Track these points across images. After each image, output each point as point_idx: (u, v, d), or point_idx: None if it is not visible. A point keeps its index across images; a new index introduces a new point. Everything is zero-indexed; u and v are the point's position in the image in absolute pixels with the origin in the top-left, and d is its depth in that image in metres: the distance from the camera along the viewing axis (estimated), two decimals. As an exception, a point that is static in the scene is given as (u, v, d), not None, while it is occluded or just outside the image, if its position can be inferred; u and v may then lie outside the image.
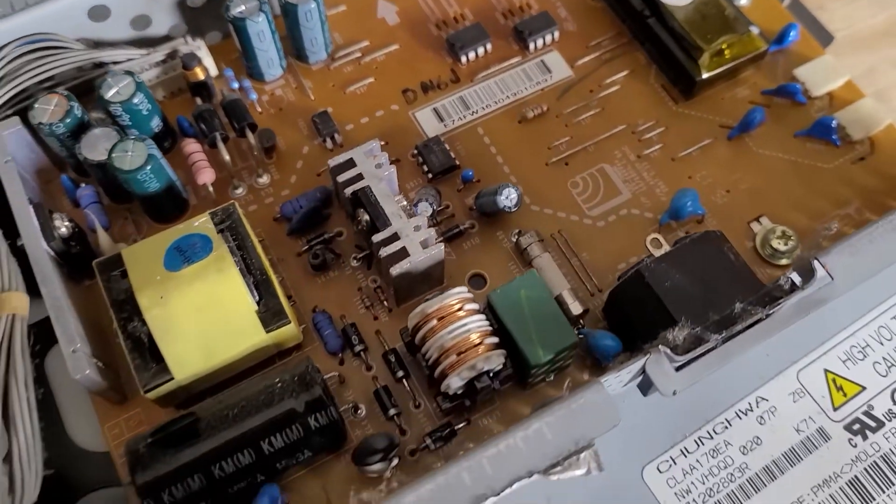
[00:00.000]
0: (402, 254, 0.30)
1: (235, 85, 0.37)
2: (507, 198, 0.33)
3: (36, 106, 0.33)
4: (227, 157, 0.35)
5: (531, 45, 0.39)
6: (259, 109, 0.38)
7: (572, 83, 0.39)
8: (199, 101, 0.36)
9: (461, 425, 0.31)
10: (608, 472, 0.31)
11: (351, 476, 0.30)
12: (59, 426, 0.33)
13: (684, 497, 0.31)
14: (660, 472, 0.32)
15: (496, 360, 0.29)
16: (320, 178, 0.36)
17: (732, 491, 0.31)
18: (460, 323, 0.29)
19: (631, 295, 0.31)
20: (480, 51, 0.39)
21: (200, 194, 0.36)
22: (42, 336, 0.32)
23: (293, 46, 0.38)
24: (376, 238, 0.31)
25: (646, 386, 0.31)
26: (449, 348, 0.29)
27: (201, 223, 0.31)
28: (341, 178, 0.32)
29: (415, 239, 0.31)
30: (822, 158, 0.37)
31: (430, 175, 0.36)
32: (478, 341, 0.29)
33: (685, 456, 0.32)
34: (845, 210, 0.35)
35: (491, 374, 0.29)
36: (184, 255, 0.30)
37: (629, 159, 0.37)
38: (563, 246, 0.35)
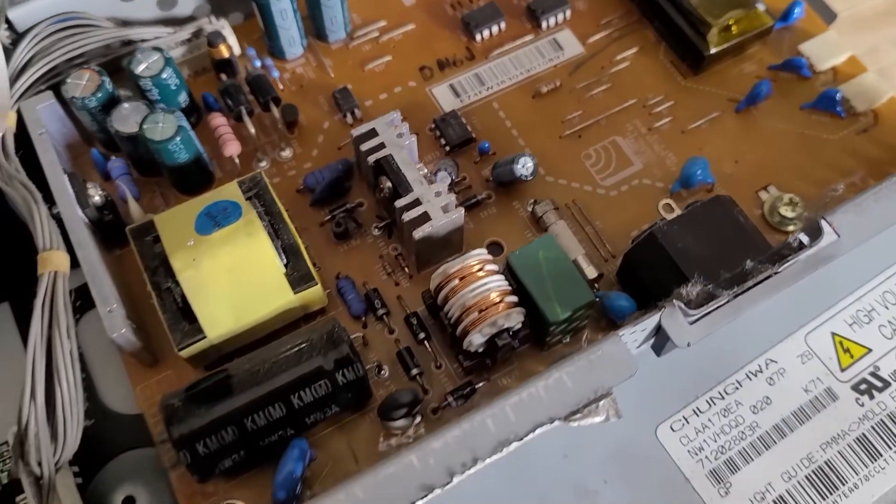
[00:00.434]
0: (424, 218, 0.31)
1: (258, 63, 0.38)
2: (523, 166, 0.34)
3: (68, 81, 0.34)
4: (252, 130, 0.36)
5: (544, 24, 0.40)
6: (281, 87, 0.39)
7: (584, 60, 0.40)
8: (224, 77, 0.37)
9: (481, 384, 0.32)
10: (624, 431, 0.32)
11: (376, 434, 0.31)
12: (91, 391, 0.34)
13: (697, 454, 0.32)
14: (673, 430, 0.33)
15: (516, 318, 0.30)
16: (341, 151, 0.37)
17: (743, 448, 0.32)
18: (481, 282, 0.30)
19: (645, 256, 0.32)
20: (494, 29, 0.40)
21: (225, 168, 0.37)
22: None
23: (313, 26, 0.40)
24: (399, 203, 0.32)
25: (659, 346, 0.32)
26: (470, 306, 0.30)
27: (230, 191, 0.32)
28: (364, 146, 0.33)
29: (436, 204, 0.32)
30: (827, 130, 0.38)
31: (447, 148, 0.37)
32: (498, 299, 0.30)
33: (697, 415, 0.33)
34: (850, 179, 0.36)
35: (511, 333, 0.30)
36: (214, 220, 0.31)
37: (640, 132, 0.38)
38: (578, 214, 0.36)
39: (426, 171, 0.33)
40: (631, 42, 0.40)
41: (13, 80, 0.34)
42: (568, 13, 0.41)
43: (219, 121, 0.36)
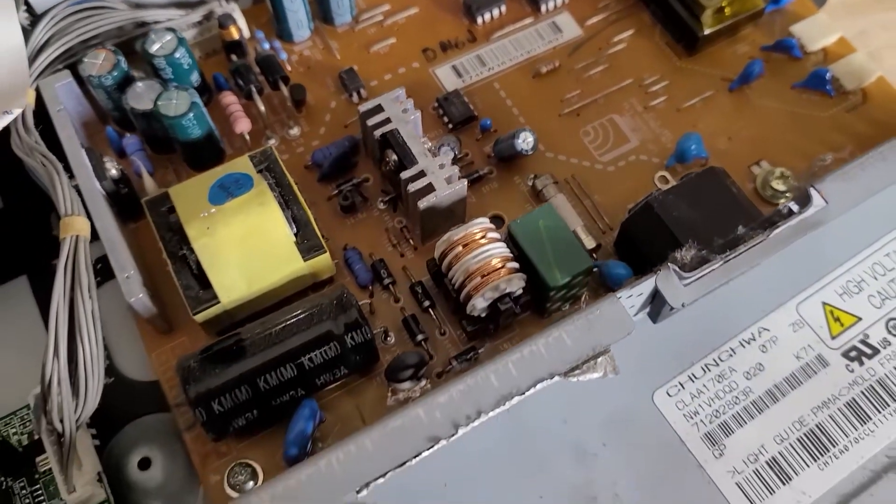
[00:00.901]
0: (429, 189, 0.33)
1: (266, 46, 0.40)
2: (523, 141, 0.36)
3: (85, 60, 0.35)
4: (262, 108, 0.37)
5: (543, 7, 0.42)
6: (289, 68, 0.40)
7: (582, 41, 0.41)
8: (234, 57, 0.39)
9: (484, 349, 0.33)
10: (622, 396, 0.33)
11: (383, 396, 0.33)
12: (107, 359, 0.36)
13: (692, 418, 0.33)
14: (669, 396, 0.34)
15: (517, 283, 0.31)
16: (347, 129, 0.39)
17: (737, 412, 0.33)
18: (483, 249, 0.31)
19: (641, 225, 0.33)
20: (495, 12, 0.41)
21: (235, 145, 0.38)
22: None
23: (320, 10, 0.41)
24: (405, 175, 0.33)
25: (655, 312, 0.33)
26: (473, 271, 0.31)
27: (242, 163, 0.33)
28: (371, 121, 0.34)
29: (440, 175, 0.33)
30: (817, 108, 0.39)
31: (450, 125, 0.38)
32: (500, 265, 0.31)
33: (693, 381, 0.34)
34: (840, 154, 0.38)
35: (512, 297, 0.32)
36: (227, 190, 0.32)
37: (636, 110, 0.39)
38: (577, 189, 0.37)
39: (430, 144, 0.34)
40: (627, 24, 0.42)
41: (32, 59, 0.35)
42: (567, -4, 0.42)
43: (230, 99, 0.37)
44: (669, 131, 0.39)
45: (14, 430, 0.33)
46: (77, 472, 0.29)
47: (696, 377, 0.34)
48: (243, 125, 0.36)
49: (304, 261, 0.32)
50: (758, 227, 0.31)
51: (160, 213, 0.33)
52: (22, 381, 0.32)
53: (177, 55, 0.35)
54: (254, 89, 0.37)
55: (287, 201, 0.33)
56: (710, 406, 0.33)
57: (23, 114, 0.33)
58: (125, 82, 0.36)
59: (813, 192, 0.31)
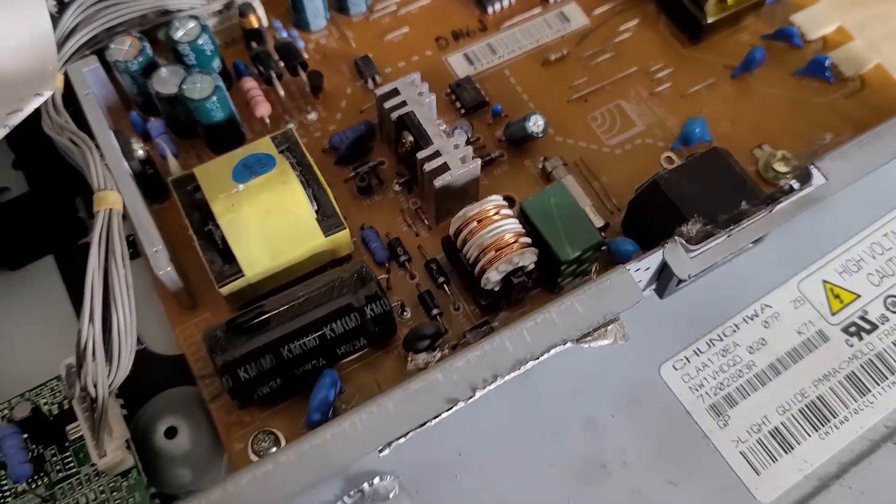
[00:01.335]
0: (444, 168, 0.34)
1: (284, 34, 0.41)
2: (534, 124, 0.37)
3: (112, 46, 0.37)
4: (282, 93, 0.39)
5: (551, -3, 0.43)
6: (306, 56, 0.41)
7: (589, 31, 0.43)
8: (254, 44, 0.40)
9: (497, 322, 0.34)
10: (630, 370, 0.35)
11: (400, 370, 0.34)
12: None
13: (697, 391, 0.34)
14: (675, 369, 0.35)
15: (529, 257, 0.32)
16: (363, 114, 0.40)
17: (741, 385, 0.34)
18: (497, 224, 0.32)
19: (648, 203, 0.34)
20: (505, 2, 0.43)
21: (255, 130, 0.39)
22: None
23: (335, 0, 0.42)
24: (421, 155, 0.34)
25: (662, 288, 0.34)
26: (487, 246, 0.32)
27: (264, 144, 0.35)
28: (387, 104, 0.35)
29: (454, 155, 0.34)
30: (817, 94, 0.40)
31: (462, 111, 0.40)
32: (513, 240, 0.32)
33: (698, 355, 0.35)
34: (839, 138, 0.39)
35: (524, 272, 0.33)
36: (250, 169, 0.33)
37: (642, 96, 0.41)
38: (585, 171, 0.38)
39: (445, 127, 0.36)
40: (633, 14, 0.43)
41: (60, 45, 0.36)
42: (574, -13, 0.43)
43: (251, 84, 0.38)
44: (674, 116, 0.40)
45: (44, 401, 0.34)
46: (108, 438, 0.31)
47: (701, 351, 0.35)
48: (264, 109, 0.38)
49: (325, 236, 0.33)
50: (760, 203, 0.32)
51: (186, 192, 0.34)
52: (50, 355, 0.34)
53: (200, 41, 0.37)
54: (273, 75, 0.38)
55: (308, 180, 0.34)
56: (714, 379, 0.35)
57: (52, 97, 0.35)
58: (150, 68, 0.37)
59: (813, 169, 0.32)
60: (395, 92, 0.36)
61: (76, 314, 0.37)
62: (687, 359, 0.35)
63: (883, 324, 0.36)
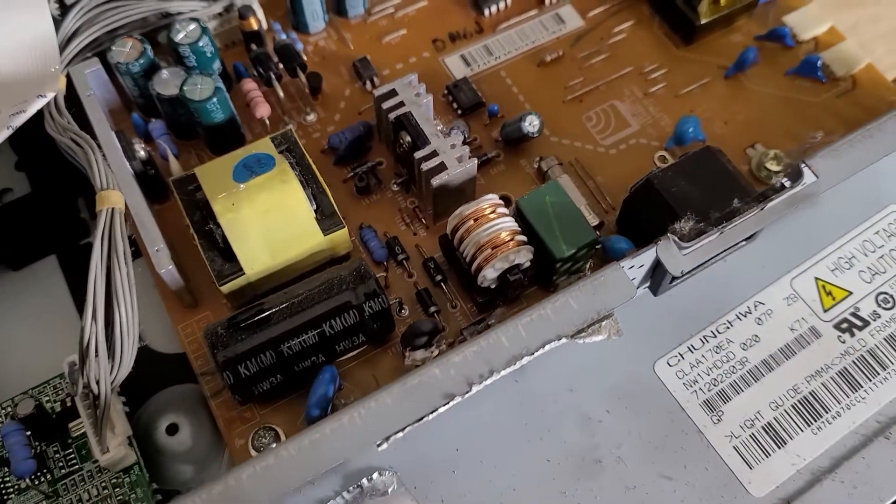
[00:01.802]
0: (441, 167, 0.35)
1: (283, 36, 0.42)
2: (530, 124, 0.38)
3: (113, 48, 0.37)
4: (281, 94, 0.39)
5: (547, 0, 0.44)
6: (304, 58, 0.42)
7: (584, 32, 0.43)
8: (253, 47, 0.40)
9: (493, 320, 0.35)
10: (624, 366, 0.35)
11: (398, 366, 0.34)
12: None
13: (691, 387, 0.35)
14: (669, 366, 0.35)
15: (525, 255, 0.33)
16: (361, 115, 0.40)
17: (734, 381, 0.35)
18: (493, 223, 0.33)
19: (642, 201, 0.35)
20: (501, 5, 0.44)
21: (255, 131, 0.40)
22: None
23: (334, 2, 0.43)
24: (418, 154, 0.35)
25: (656, 285, 0.35)
26: (484, 244, 0.33)
27: (264, 144, 0.35)
28: (386, 105, 0.36)
29: (451, 155, 0.35)
30: (809, 93, 0.41)
31: (459, 111, 0.40)
32: (509, 238, 0.33)
33: (692, 352, 0.36)
34: (831, 137, 0.40)
35: (520, 269, 0.33)
36: (250, 169, 0.34)
37: (637, 97, 0.41)
38: (580, 170, 0.39)
39: (442, 127, 0.36)
40: (628, 16, 0.44)
41: (62, 47, 0.37)
42: (569, -11, 0.44)
43: (250, 85, 0.39)
44: (668, 116, 0.40)
45: (47, 398, 0.34)
46: (110, 435, 0.31)
47: (694, 348, 0.36)
48: (263, 110, 0.38)
49: (324, 235, 0.34)
50: (752, 201, 0.32)
51: (187, 192, 0.35)
52: (52, 353, 0.34)
53: (200, 43, 0.37)
54: (273, 76, 0.39)
55: (307, 180, 0.35)
56: (708, 375, 0.35)
57: (55, 99, 0.35)
58: (151, 69, 0.37)
59: (804, 167, 0.33)
60: (392, 93, 0.36)
61: (78, 313, 0.37)
62: (681, 355, 0.36)
63: (875, 320, 0.36)
